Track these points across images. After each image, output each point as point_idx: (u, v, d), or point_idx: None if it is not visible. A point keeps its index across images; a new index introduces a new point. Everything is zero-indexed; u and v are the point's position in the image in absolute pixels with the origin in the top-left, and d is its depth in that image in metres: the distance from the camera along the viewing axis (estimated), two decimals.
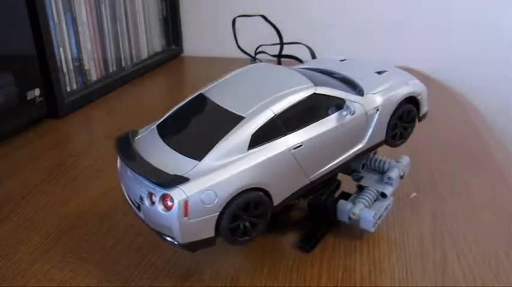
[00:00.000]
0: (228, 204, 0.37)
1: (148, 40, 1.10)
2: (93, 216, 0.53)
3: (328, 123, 0.42)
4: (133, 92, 0.97)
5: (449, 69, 1.06)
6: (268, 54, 0.53)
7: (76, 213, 0.54)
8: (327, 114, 0.42)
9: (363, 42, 1.10)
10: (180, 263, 0.45)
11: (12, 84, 0.72)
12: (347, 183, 0.51)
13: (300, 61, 0.54)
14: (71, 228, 0.51)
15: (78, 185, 0.60)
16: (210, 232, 0.37)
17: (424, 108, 0.50)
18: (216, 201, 0.36)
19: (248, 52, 0.53)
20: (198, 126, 0.42)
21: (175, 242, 0.37)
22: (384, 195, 0.48)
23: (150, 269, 0.45)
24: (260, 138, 0.38)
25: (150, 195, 0.37)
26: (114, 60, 0.98)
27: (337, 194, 0.49)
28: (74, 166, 0.65)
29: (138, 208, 0.39)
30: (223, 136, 0.38)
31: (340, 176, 0.50)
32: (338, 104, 0.42)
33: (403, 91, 0.46)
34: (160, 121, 0.43)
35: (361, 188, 0.49)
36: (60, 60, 0.82)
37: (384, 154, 0.51)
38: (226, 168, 0.37)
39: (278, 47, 0.54)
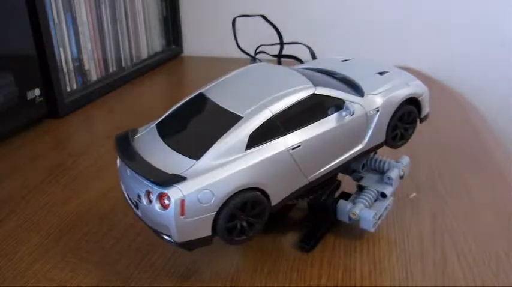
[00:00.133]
0: (225, 203, 0.37)
1: (148, 40, 1.10)
2: (93, 216, 0.53)
3: (327, 123, 0.42)
4: (133, 92, 0.97)
5: (449, 69, 1.06)
6: (268, 54, 0.53)
7: (76, 213, 0.54)
8: (326, 115, 0.42)
9: (363, 42, 1.10)
10: (180, 263, 0.45)
11: (12, 84, 0.72)
12: (347, 183, 0.51)
13: (300, 61, 0.54)
14: (71, 228, 0.51)
15: (78, 185, 0.60)
16: (206, 231, 0.37)
17: (426, 110, 0.49)
18: (212, 200, 0.36)
19: (248, 52, 0.53)
20: (197, 125, 0.42)
21: (172, 241, 0.37)
22: (383, 195, 0.48)
23: (150, 269, 0.45)
24: (258, 138, 0.38)
25: (148, 193, 0.37)
26: (114, 60, 0.98)
27: (337, 194, 0.49)
28: (74, 166, 0.65)
29: (137, 206, 0.39)
30: (222, 136, 0.38)
31: (340, 176, 0.50)
32: (338, 105, 0.42)
33: (404, 92, 0.46)
34: (160, 120, 0.43)
35: (361, 188, 0.49)
36: (60, 60, 0.82)
37: (384, 153, 0.51)
38: (224, 167, 0.37)
39: (278, 47, 0.54)
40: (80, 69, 0.88)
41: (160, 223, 0.37)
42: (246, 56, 0.54)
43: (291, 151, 0.39)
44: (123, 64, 1.01)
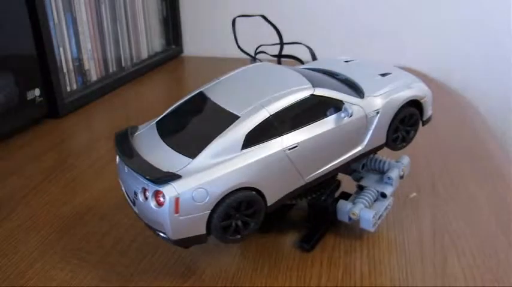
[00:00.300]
0: (220, 202, 0.37)
1: (148, 40, 1.10)
2: (93, 216, 0.53)
3: (326, 125, 0.41)
4: (133, 92, 0.97)
5: (449, 69, 1.06)
6: (268, 54, 0.53)
7: (76, 213, 0.54)
8: (325, 116, 0.42)
9: (363, 42, 1.10)
10: (180, 263, 0.45)
11: (12, 84, 0.72)
12: (347, 183, 0.51)
13: (300, 61, 0.54)
14: (71, 228, 0.51)
15: (78, 185, 0.60)
16: (201, 230, 0.37)
17: (428, 112, 0.49)
18: (207, 199, 0.36)
19: (248, 52, 0.53)
20: (195, 124, 0.42)
21: (168, 238, 0.38)
22: (384, 195, 0.48)
23: (150, 269, 0.45)
24: (255, 138, 0.38)
25: (144, 191, 0.37)
26: (114, 60, 0.98)
27: (337, 194, 0.49)
28: (74, 166, 0.65)
29: (134, 203, 0.39)
30: (218, 135, 0.38)
31: (340, 176, 0.50)
32: (337, 106, 0.42)
33: (405, 94, 0.46)
34: (160, 118, 0.43)
35: (361, 188, 0.49)
36: (60, 60, 0.82)
37: (384, 154, 0.51)
38: (219, 167, 0.37)
39: (278, 47, 0.54)
40: (80, 69, 0.88)
41: (155, 220, 0.37)
42: (246, 56, 0.54)
43: (287, 152, 0.39)
44: (123, 64, 1.01)
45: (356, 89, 0.45)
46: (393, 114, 0.45)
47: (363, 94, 0.44)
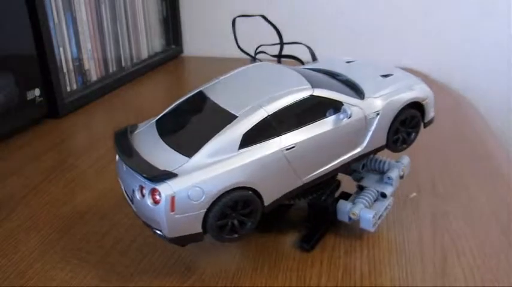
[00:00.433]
0: (216, 201, 0.37)
1: (148, 40, 1.10)
2: (93, 216, 0.53)
3: (324, 125, 0.41)
4: (133, 92, 0.97)
5: (449, 69, 1.06)
6: (268, 54, 0.53)
7: (76, 213, 0.54)
8: (323, 117, 0.42)
9: (363, 42, 1.10)
10: (180, 263, 0.45)
11: (12, 84, 0.72)
12: (347, 183, 0.51)
13: (300, 61, 0.54)
14: (71, 228, 0.51)
15: (78, 185, 0.60)
16: (197, 228, 0.38)
17: (430, 114, 0.49)
18: (203, 198, 0.36)
19: (248, 52, 0.53)
20: (194, 123, 0.43)
21: (164, 236, 0.38)
22: (384, 195, 0.48)
23: (150, 269, 0.45)
24: (252, 138, 0.39)
25: (141, 188, 0.37)
26: (114, 60, 0.98)
27: (337, 194, 0.49)
28: (74, 166, 0.65)
29: (132, 200, 0.40)
30: (215, 134, 0.38)
31: (340, 176, 0.49)
32: (336, 107, 0.42)
33: (406, 96, 0.45)
34: (159, 116, 0.44)
35: (361, 188, 0.49)
36: (60, 60, 0.82)
37: (384, 154, 0.51)
38: (215, 166, 0.37)
39: (278, 47, 0.54)
40: (80, 69, 0.88)
41: (152, 218, 0.38)
42: (246, 56, 0.54)
43: (285, 152, 0.39)
44: (123, 64, 1.01)
45: (356, 90, 0.45)
46: (393, 116, 0.45)
47: (363, 95, 0.44)
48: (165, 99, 0.98)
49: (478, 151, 0.68)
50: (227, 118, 0.39)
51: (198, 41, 1.22)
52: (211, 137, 0.38)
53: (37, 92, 0.77)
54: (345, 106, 0.42)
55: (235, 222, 0.39)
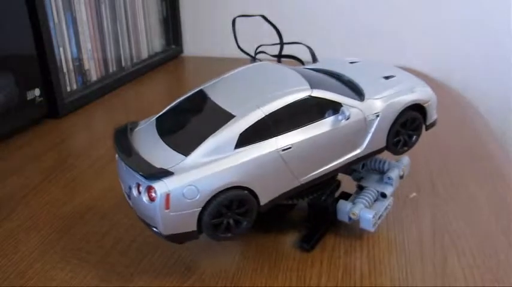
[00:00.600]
0: (211, 200, 0.37)
1: (148, 40, 1.10)
2: (93, 216, 0.53)
3: (322, 127, 0.41)
4: (133, 92, 0.97)
5: (449, 69, 1.06)
6: (268, 54, 0.53)
7: (76, 213, 0.54)
8: (322, 118, 0.41)
9: (363, 42, 1.10)
10: (180, 263, 0.45)
11: (12, 84, 0.72)
12: (347, 183, 0.51)
13: (300, 61, 0.54)
14: (71, 228, 0.51)
15: (78, 185, 0.60)
16: (192, 226, 0.38)
17: (432, 117, 0.48)
18: (197, 196, 0.37)
19: (248, 52, 0.53)
20: (193, 121, 0.43)
21: (159, 233, 0.38)
22: (384, 195, 0.48)
23: (150, 269, 0.45)
24: (249, 137, 0.39)
25: (138, 186, 0.38)
26: (114, 60, 0.98)
27: (337, 194, 0.49)
28: (74, 166, 0.65)
29: (129, 197, 0.40)
30: (212, 134, 0.38)
31: (340, 176, 0.49)
32: (335, 108, 0.42)
33: (407, 98, 0.45)
34: (160, 114, 0.44)
35: (361, 188, 0.49)
36: (60, 60, 0.82)
37: (384, 154, 0.50)
38: (211, 165, 0.37)
39: (278, 47, 0.54)
40: (80, 69, 0.88)
41: (148, 215, 0.38)
42: (246, 56, 0.54)
43: (281, 152, 0.39)
44: (123, 64, 1.01)
45: (357, 92, 0.45)
46: (394, 118, 0.45)
47: (363, 97, 0.44)
48: (165, 99, 0.97)
49: (478, 151, 0.68)
50: (225, 118, 0.39)
51: (198, 41, 1.22)
52: (209, 136, 0.38)
53: (37, 92, 0.77)
54: (344, 107, 0.42)
55: (231, 221, 0.39)
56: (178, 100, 0.44)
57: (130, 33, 1.02)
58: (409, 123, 0.47)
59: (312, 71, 0.48)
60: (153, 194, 0.36)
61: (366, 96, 0.44)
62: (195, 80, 1.10)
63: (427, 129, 0.49)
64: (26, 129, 0.77)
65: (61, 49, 0.82)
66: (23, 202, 0.57)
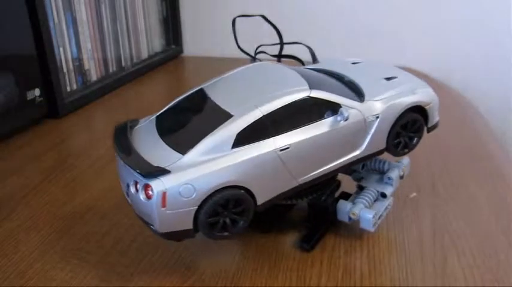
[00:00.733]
0: (207, 199, 0.37)
1: (148, 40, 1.10)
2: (93, 216, 0.53)
3: (321, 127, 0.41)
4: (133, 92, 0.97)
5: (449, 69, 1.06)
6: (268, 54, 0.53)
7: (76, 213, 0.54)
8: (320, 118, 0.41)
9: (363, 42, 1.10)
10: (180, 263, 0.45)
11: (12, 84, 0.72)
12: (347, 183, 0.51)
13: (300, 61, 0.54)
14: (71, 228, 0.51)
15: (78, 185, 0.60)
16: (188, 224, 0.38)
17: (434, 119, 0.48)
18: (194, 195, 0.37)
19: (248, 52, 0.53)
20: (192, 120, 0.43)
21: (156, 230, 0.38)
22: (384, 195, 0.48)
23: (150, 269, 0.45)
24: (247, 137, 0.39)
25: (135, 183, 0.38)
26: (114, 60, 0.98)
27: (337, 194, 0.49)
28: (74, 166, 0.65)
29: (128, 195, 0.40)
30: (210, 133, 0.38)
31: (340, 176, 0.50)
32: (334, 109, 0.42)
33: (408, 100, 0.45)
34: (160, 112, 0.44)
35: (361, 188, 0.49)
36: (60, 60, 0.82)
37: (384, 154, 0.50)
38: (208, 164, 0.37)
39: (278, 47, 0.54)
40: (80, 69, 0.88)
41: (145, 212, 0.38)
42: (246, 56, 0.54)
43: (279, 153, 0.39)
44: (123, 64, 1.01)
45: (357, 92, 0.45)
46: (394, 120, 0.45)
47: (364, 98, 0.44)
48: (165, 99, 0.97)
49: (478, 151, 0.68)
50: (223, 117, 0.39)
51: (198, 41, 1.22)
52: (206, 135, 0.38)
53: (37, 92, 0.77)
54: (343, 108, 0.42)
55: (227, 220, 0.39)
56: (178, 99, 0.44)
57: (130, 33, 1.02)
58: (410, 125, 0.46)
59: (312, 71, 0.48)
60: (150, 192, 0.37)
61: (366, 97, 0.44)
62: (195, 80, 1.10)
63: (428, 131, 0.48)
64: (26, 129, 0.77)
65: (61, 49, 0.82)
66: (23, 202, 0.57)
